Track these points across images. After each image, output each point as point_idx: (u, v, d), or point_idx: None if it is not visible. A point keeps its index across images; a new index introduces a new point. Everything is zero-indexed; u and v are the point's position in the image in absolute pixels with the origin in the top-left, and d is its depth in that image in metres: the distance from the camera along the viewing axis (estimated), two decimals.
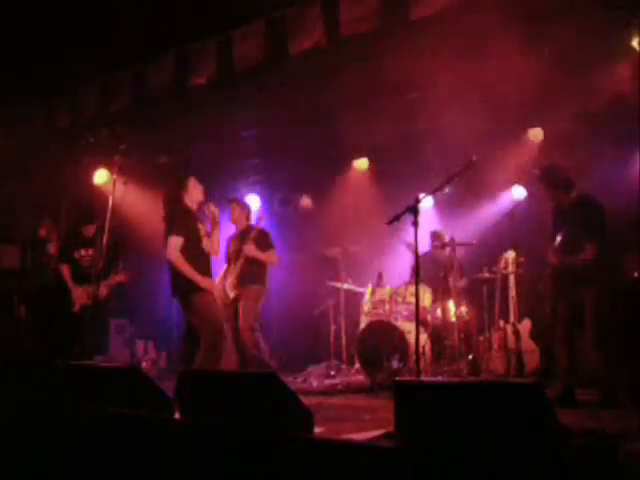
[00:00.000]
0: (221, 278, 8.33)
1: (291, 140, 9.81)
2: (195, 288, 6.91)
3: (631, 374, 6.00)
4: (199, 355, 6.75)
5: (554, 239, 6.39)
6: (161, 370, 10.77)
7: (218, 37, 8.26)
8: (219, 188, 11.27)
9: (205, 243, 7.13)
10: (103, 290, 8.07)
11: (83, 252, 8.50)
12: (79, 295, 8.25)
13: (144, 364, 9.88)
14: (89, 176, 10.55)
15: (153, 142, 10.33)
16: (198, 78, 8.49)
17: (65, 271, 8.41)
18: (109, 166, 9.15)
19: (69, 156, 10.63)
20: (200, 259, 7.04)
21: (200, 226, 7.18)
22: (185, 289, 7.00)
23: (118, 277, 8.39)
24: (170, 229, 7.01)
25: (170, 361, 11.19)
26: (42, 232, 9.98)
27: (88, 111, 9.67)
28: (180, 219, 7.06)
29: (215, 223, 7.35)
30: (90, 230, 8.49)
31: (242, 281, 8.21)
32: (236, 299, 8.19)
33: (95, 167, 10.47)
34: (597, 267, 6.07)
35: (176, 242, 6.93)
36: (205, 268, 7.06)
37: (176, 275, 7.03)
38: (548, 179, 6.44)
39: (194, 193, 7.31)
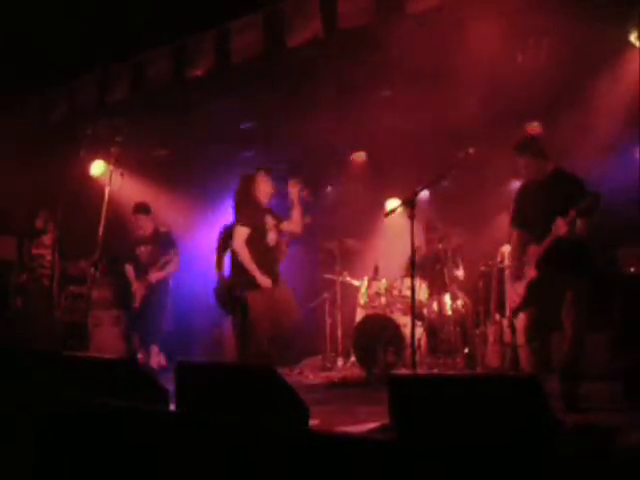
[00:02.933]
0: (219, 269, 8.31)
1: (289, 132, 9.79)
2: (252, 284, 7.07)
3: (627, 369, 5.98)
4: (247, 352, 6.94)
5: (528, 220, 6.15)
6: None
7: (216, 29, 8.25)
8: (216, 180, 11.28)
9: (270, 238, 7.21)
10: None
11: (142, 249, 8.91)
12: (139, 289, 8.58)
13: (140, 355, 9.86)
14: (86, 168, 10.53)
15: (150, 134, 10.31)
16: (196, 70, 8.48)
17: (129, 270, 8.72)
18: (106, 158, 9.13)
19: (66, 147, 10.59)
20: (262, 254, 7.20)
21: (268, 219, 7.26)
22: (242, 285, 7.24)
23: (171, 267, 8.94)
24: (237, 219, 7.31)
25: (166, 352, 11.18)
26: (39, 223, 9.98)
27: (85, 102, 9.66)
28: (246, 210, 7.24)
29: (295, 201, 7.48)
30: (148, 228, 8.74)
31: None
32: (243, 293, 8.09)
33: (92, 159, 10.45)
34: (585, 255, 5.90)
35: (241, 232, 7.17)
36: (266, 264, 7.18)
37: (235, 272, 7.24)
38: (534, 148, 6.15)
39: (262, 186, 7.37)
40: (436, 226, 9.09)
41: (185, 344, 11.28)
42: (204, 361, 6.17)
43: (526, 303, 6.05)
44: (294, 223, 7.41)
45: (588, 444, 3.31)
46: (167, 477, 3.66)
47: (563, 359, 5.71)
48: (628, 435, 4.23)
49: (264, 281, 7.17)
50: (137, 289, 9.10)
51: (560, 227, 5.63)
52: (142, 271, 9.15)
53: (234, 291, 7.88)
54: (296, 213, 7.46)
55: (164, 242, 9.08)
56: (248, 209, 7.36)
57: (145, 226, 9.04)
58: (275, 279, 7.48)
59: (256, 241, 7.24)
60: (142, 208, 9.06)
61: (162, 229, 9.21)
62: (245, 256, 7.17)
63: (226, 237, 8.34)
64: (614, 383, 6.18)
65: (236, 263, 7.50)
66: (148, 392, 4.07)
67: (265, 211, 7.40)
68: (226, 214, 8.58)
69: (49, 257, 9.91)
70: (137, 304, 9.11)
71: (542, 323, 5.91)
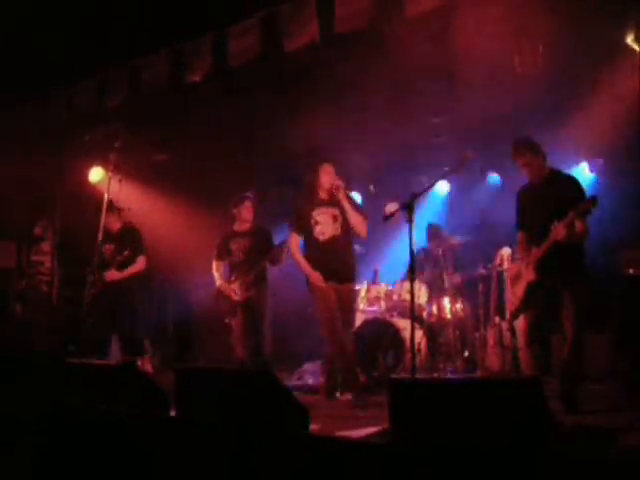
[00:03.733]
0: (220, 276, 8.26)
1: (286, 136, 9.80)
2: (307, 280, 7.25)
3: (627, 370, 5.98)
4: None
5: (528, 222, 6.15)
6: (157, 367, 10.76)
7: (213, 33, 8.26)
8: (214, 186, 11.27)
9: (318, 231, 7.13)
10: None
11: (107, 246, 8.42)
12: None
13: (139, 361, 9.85)
14: (85, 174, 10.53)
15: (149, 139, 10.31)
16: (193, 75, 8.47)
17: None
18: (104, 164, 9.12)
19: (64, 154, 10.60)
20: (312, 251, 7.26)
21: (322, 211, 7.19)
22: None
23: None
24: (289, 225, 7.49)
25: (165, 358, 11.18)
26: (38, 230, 9.98)
27: (83, 108, 9.65)
28: (295, 214, 7.38)
29: (343, 199, 7.16)
30: (114, 226, 8.46)
31: (257, 281, 8.07)
32: (250, 300, 8.04)
33: (90, 165, 10.45)
34: (582, 257, 5.87)
35: (291, 239, 7.39)
36: (317, 258, 7.18)
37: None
38: (533, 147, 6.13)
39: (324, 180, 7.28)
40: (436, 229, 9.08)
41: (185, 350, 11.31)
42: (204, 366, 6.17)
43: (524, 306, 6.06)
44: (356, 227, 7.21)
45: (587, 446, 3.31)
46: None
47: (562, 361, 5.71)
48: (627, 437, 4.24)
49: (314, 277, 7.10)
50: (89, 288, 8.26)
51: (558, 231, 5.63)
52: (104, 270, 8.43)
53: (235, 296, 7.92)
54: (351, 217, 7.19)
55: (129, 240, 8.60)
56: (297, 212, 7.31)
57: (112, 224, 8.55)
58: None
59: (307, 240, 7.28)
60: (109, 206, 8.44)
61: (129, 226, 8.75)
62: (297, 258, 7.31)
63: (226, 244, 8.31)
64: (614, 384, 6.18)
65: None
66: (148, 397, 4.07)
67: (313, 206, 7.23)
68: (224, 219, 8.56)
69: (48, 264, 9.90)
70: (87, 302, 8.12)
71: (541, 325, 5.91)
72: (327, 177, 7.23)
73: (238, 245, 8.25)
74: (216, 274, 8.30)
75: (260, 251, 7.99)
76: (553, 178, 5.98)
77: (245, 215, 8.29)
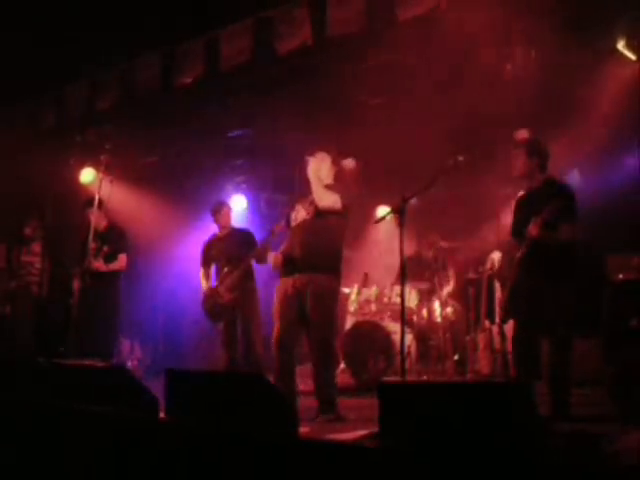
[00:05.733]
0: (205, 282, 8.25)
1: (277, 140, 9.80)
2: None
3: (615, 374, 5.99)
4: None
5: (520, 225, 6.11)
6: (146, 369, 10.75)
7: (205, 36, 8.26)
8: (205, 188, 11.27)
9: (292, 218, 6.44)
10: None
11: (93, 245, 8.20)
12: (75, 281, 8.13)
13: (129, 363, 9.84)
14: (75, 175, 10.52)
15: (140, 141, 10.31)
16: (185, 77, 8.48)
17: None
18: (95, 165, 9.11)
19: (55, 155, 10.59)
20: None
21: (303, 199, 6.58)
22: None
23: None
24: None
25: (155, 360, 11.17)
26: (28, 230, 9.94)
27: (74, 110, 9.65)
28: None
29: (310, 175, 6.34)
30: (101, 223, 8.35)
31: (241, 282, 7.95)
32: (235, 301, 7.95)
33: (81, 166, 10.45)
34: (569, 259, 5.87)
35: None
36: (285, 248, 6.46)
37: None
38: (533, 146, 6.14)
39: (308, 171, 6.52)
40: (426, 233, 9.10)
41: (174, 353, 11.29)
42: (194, 369, 6.15)
43: (508, 309, 6.07)
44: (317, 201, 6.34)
45: (577, 450, 3.31)
46: None
47: (551, 366, 5.72)
48: (617, 441, 4.24)
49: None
50: (75, 279, 8.23)
51: (531, 229, 5.65)
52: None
53: (221, 299, 7.90)
54: (314, 192, 6.37)
55: (113, 238, 8.38)
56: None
57: (99, 222, 8.39)
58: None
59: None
60: (98, 205, 8.16)
61: (115, 225, 8.66)
62: None
63: (208, 250, 8.32)
64: (603, 388, 6.19)
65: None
66: (137, 399, 4.06)
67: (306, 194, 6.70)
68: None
69: (38, 264, 9.86)
70: (75, 297, 8.08)
71: (527, 329, 5.90)
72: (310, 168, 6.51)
73: (219, 250, 8.23)
74: (203, 281, 8.29)
75: (241, 252, 7.96)
76: (547, 186, 5.97)
77: (224, 221, 8.31)
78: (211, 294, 8.04)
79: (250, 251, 7.84)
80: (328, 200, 6.18)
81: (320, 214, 6.22)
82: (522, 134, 6.18)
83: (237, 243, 8.13)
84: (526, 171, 6.01)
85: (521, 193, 6.27)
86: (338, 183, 6.48)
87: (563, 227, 5.66)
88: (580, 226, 5.76)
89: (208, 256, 8.33)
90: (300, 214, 6.40)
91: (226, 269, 8.01)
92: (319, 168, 6.34)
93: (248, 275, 8.01)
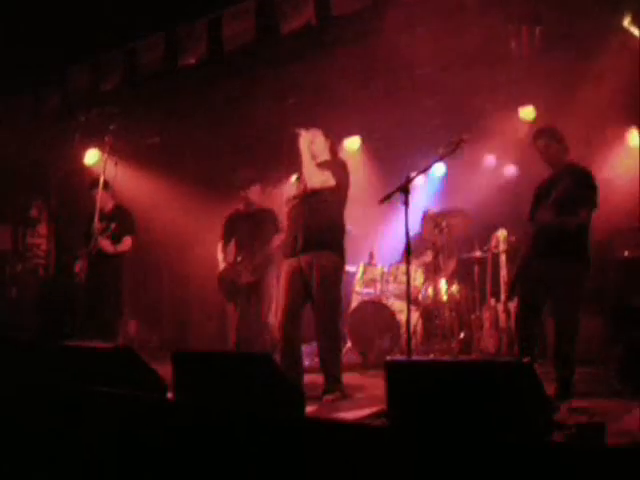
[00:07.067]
0: (223, 258, 8.21)
1: (281, 119, 9.78)
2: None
3: (621, 353, 6.00)
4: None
5: (538, 209, 6.11)
6: (153, 350, 10.79)
7: (208, 17, 8.23)
8: (210, 169, 11.26)
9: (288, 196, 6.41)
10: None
11: (99, 226, 8.15)
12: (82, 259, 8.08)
13: (136, 344, 9.86)
14: (80, 156, 10.53)
15: (144, 122, 10.29)
16: (188, 57, 8.45)
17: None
18: (100, 146, 9.10)
19: (60, 136, 10.59)
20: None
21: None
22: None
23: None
24: None
25: (162, 341, 11.21)
26: (34, 212, 9.97)
27: (78, 91, 9.63)
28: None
29: (301, 149, 6.15)
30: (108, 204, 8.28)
31: (263, 265, 7.92)
32: (255, 283, 7.92)
33: (86, 147, 10.44)
34: (581, 242, 5.87)
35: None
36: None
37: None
38: (554, 134, 6.13)
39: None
40: (432, 212, 9.09)
41: (181, 334, 11.32)
42: (201, 350, 6.17)
43: (516, 286, 6.09)
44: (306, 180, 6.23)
45: (582, 429, 3.33)
46: (164, 465, 3.67)
47: (556, 345, 5.73)
48: (621, 420, 4.26)
49: None
50: (81, 259, 8.16)
51: (541, 217, 5.71)
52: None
53: (239, 279, 7.88)
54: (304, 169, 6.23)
55: (119, 219, 8.23)
56: None
57: (105, 203, 8.10)
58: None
59: None
60: (104, 186, 7.91)
61: (121, 207, 8.58)
62: None
63: (230, 225, 8.28)
64: (608, 368, 6.21)
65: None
66: (144, 381, 4.08)
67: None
68: (220, 202, 8.53)
69: (44, 246, 9.88)
70: (82, 276, 8.05)
71: (531, 307, 5.91)
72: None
73: (244, 227, 8.14)
74: (220, 255, 8.19)
75: (267, 234, 7.92)
76: (568, 171, 5.96)
77: (252, 198, 8.20)
78: (229, 272, 7.98)
79: (277, 232, 7.81)
80: (318, 179, 6.09)
81: (313, 193, 6.14)
82: (538, 129, 6.18)
83: (264, 223, 8.05)
84: (557, 158, 6.02)
85: (541, 181, 6.25)
86: (333, 158, 6.41)
87: (581, 213, 5.68)
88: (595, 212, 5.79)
89: (230, 231, 8.25)
90: (293, 192, 6.31)
91: (250, 249, 7.98)
92: (313, 142, 6.24)
93: (271, 258, 7.96)
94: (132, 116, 9.68)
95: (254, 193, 8.23)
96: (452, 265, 9.00)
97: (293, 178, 6.52)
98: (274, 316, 7.70)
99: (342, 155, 9.21)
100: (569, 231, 5.71)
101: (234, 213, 8.33)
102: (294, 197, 6.27)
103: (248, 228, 8.11)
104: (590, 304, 6.48)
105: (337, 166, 6.27)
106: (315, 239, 6.11)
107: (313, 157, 6.20)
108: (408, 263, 5.56)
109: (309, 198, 6.16)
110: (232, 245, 8.22)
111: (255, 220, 8.12)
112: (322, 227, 6.15)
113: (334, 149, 6.56)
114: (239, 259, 8.01)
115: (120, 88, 9.22)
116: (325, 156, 6.32)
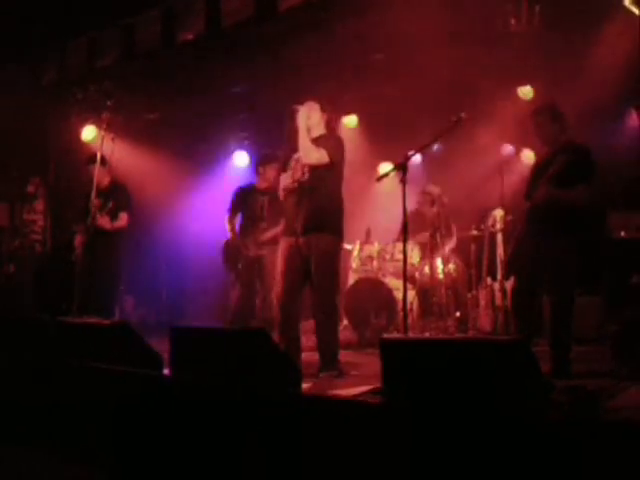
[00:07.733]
0: (231, 229, 8.21)
1: (279, 96, 9.75)
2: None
3: (616, 332, 6.02)
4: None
5: (535, 187, 6.08)
6: (150, 325, 10.79)
7: None
8: (208, 144, 11.24)
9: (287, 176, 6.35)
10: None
11: (95, 201, 8.13)
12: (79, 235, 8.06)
13: (133, 319, 9.87)
14: (77, 132, 10.49)
15: (141, 98, 10.24)
16: (186, 33, 8.41)
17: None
18: (97, 122, 9.06)
19: (57, 112, 10.55)
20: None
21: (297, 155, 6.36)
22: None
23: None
24: None
25: (159, 316, 11.21)
26: (30, 188, 9.94)
27: (75, 67, 9.58)
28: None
29: (299, 127, 6.11)
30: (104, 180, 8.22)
31: (272, 242, 7.76)
32: (262, 257, 8.00)
33: (83, 123, 10.40)
34: (576, 215, 5.84)
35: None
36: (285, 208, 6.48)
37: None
38: (555, 111, 6.11)
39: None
40: (429, 190, 9.08)
41: (178, 310, 11.34)
42: (198, 325, 6.17)
43: (511, 264, 6.10)
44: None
45: (578, 406, 3.34)
46: (161, 441, 3.69)
47: (552, 323, 5.74)
48: (617, 398, 4.27)
49: None
50: (79, 235, 8.19)
51: (539, 191, 5.69)
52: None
53: (247, 251, 7.98)
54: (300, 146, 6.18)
55: (115, 195, 8.20)
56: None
57: (102, 179, 8.07)
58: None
59: None
60: (101, 161, 7.93)
61: (117, 182, 8.53)
62: None
63: (241, 199, 8.28)
64: (603, 346, 6.22)
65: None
66: (141, 356, 4.09)
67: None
68: (218, 177, 8.53)
69: (41, 222, 9.86)
70: (78, 252, 8.09)
71: (527, 284, 5.92)
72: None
73: (257, 202, 8.18)
74: (228, 226, 8.29)
75: (279, 212, 7.88)
76: (566, 148, 5.93)
77: (269, 174, 8.18)
78: (237, 244, 8.01)
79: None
80: (313, 156, 6.05)
81: (319, 173, 6.10)
82: (539, 104, 6.15)
83: (278, 202, 7.95)
84: (553, 137, 5.99)
85: (536, 158, 6.23)
86: (329, 133, 6.34)
87: (579, 187, 5.66)
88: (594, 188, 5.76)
89: (239, 204, 8.29)
90: (296, 172, 6.24)
91: (263, 224, 8.04)
92: (308, 116, 6.17)
93: (278, 239, 7.90)
94: (130, 92, 9.63)
95: (271, 170, 8.19)
96: (451, 244, 8.99)
97: (292, 162, 6.38)
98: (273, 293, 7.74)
99: (342, 131, 9.24)
100: (564, 205, 5.70)
101: (248, 187, 8.37)
102: (292, 181, 6.23)
103: (261, 204, 8.17)
104: (586, 283, 6.49)
105: (332, 141, 6.21)
106: (314, 221, 6.09)
107: (308, 131, 6.14)
108: (405, 241, 5.57)
109: (306, 180, 6.14)
110: (240, 217, 8.32)
111: (269, 197, 8.11)
112: (321, 209, 6.12)
113: (331, 124, 6.48)
114: (247, 232, 8.05)
115: (117, 64, 9.17)
116: (320, 130, 6.25)
